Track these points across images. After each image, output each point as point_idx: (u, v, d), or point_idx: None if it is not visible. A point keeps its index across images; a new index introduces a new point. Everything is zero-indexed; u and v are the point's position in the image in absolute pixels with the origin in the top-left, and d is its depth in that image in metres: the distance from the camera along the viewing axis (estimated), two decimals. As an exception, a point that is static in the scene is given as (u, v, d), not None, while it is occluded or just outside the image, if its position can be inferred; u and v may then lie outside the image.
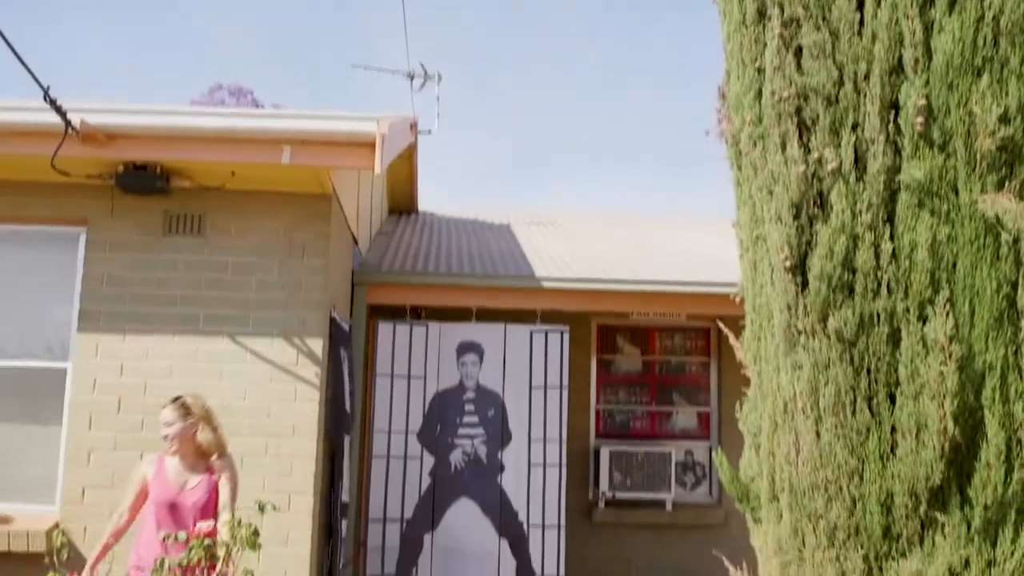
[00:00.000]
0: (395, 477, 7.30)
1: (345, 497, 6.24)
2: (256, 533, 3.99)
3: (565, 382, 7.46)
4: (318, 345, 5.68)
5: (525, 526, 7.25)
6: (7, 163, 5.53)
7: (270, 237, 5.75)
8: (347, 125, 5.20)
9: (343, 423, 6.22)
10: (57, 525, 5.41)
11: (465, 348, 7.47)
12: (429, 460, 7.29)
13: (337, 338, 6.17)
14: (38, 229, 5.87)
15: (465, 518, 7.25)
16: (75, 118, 5.01)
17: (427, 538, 7.22)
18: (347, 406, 6.36)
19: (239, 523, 3.93)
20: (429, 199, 15.43)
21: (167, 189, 5.61)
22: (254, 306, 5.68)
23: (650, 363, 9.67)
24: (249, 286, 5.70)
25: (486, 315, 7.63)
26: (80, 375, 5.59)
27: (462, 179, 35.36)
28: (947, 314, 4.11)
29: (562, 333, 7.54)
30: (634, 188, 34.60)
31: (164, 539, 3.95)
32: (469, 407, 7.36)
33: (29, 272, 5.86)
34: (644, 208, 32.77)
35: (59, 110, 4.86)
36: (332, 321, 6.01)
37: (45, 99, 4.70)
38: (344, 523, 6.20)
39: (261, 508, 4.19)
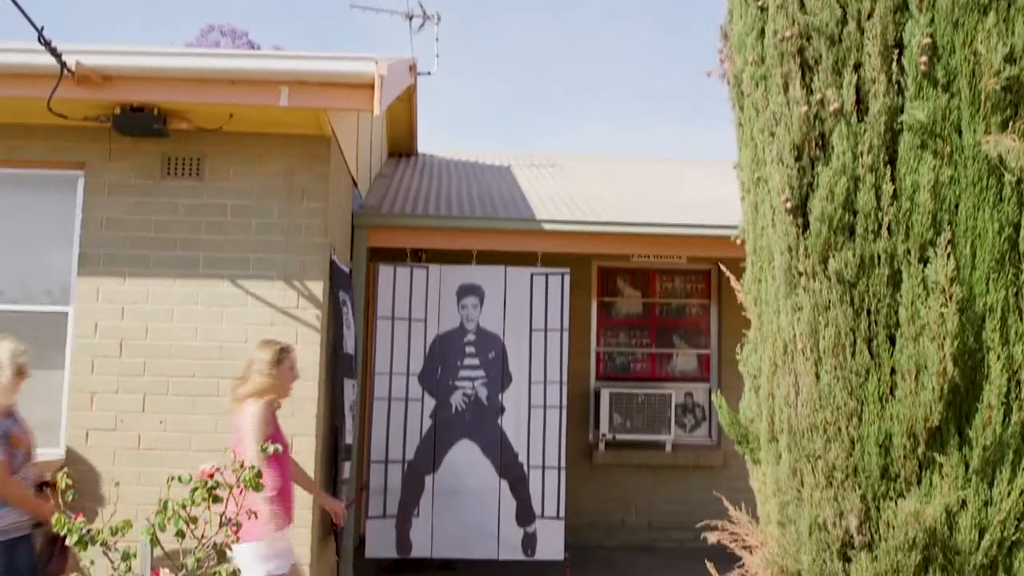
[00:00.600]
0: (396, 419, 7.35)
1: (348, 439, 6.28)
2: (259, 475, 4.02)
3: (566, 324, 7.47)
4: (318, 288, 5.68)
5: (525, 467, 7.31)
6: (3, 106, 5.48)
7: (269, 180, 5.72)
8: (346, 65, 5.14)
9: (344, 366, 6.25)
10: (63, 468, 5.45)
11: (465, 291, 7.47)
12: (430, 402, 7.33)
13: (337, 281, 6.17)
14: (36, 173, 5.84)
15: (466, 459, 7.31)
16: (70, 59, 4.96)
17: (428, 479, 7.29)
18: (350, 349, 6.38)
19: (241, 465, 3.97)
20: (428, 142, 15.36)
21: (165, 131, 5.57)
22: (254, 249, 5.67)
23: (650, 305, 9.69)
24: (249, 229, 5.68)
25: (487, 257, 7.62)
26: (81, 319, 5.60)
27: (461, 122, 35.13)
28: (948, 256, 4.10)
29: (563, 275, 7.53)
30: (637, 130, 34.39)
31: (169, 479, 3.98)
32: (470, 349, 7.38)
33: (28, 216, 5.84)
34: (649, 150, 32.62)
35: (54, 51, 4.81)
36: (332, 264, 6.01)
37: (40, 40, 4.64)
38: (347, 465, 6.25)
39: (263, 449, 4.23)
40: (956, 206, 4.21)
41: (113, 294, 5.62)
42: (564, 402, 7.42)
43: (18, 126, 5.69)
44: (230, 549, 3.93)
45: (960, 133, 4.23)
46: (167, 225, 5.68)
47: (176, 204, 5.70)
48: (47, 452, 5.62)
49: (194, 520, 3.83)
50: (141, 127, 5.52)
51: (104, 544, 3.73)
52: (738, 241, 5.32)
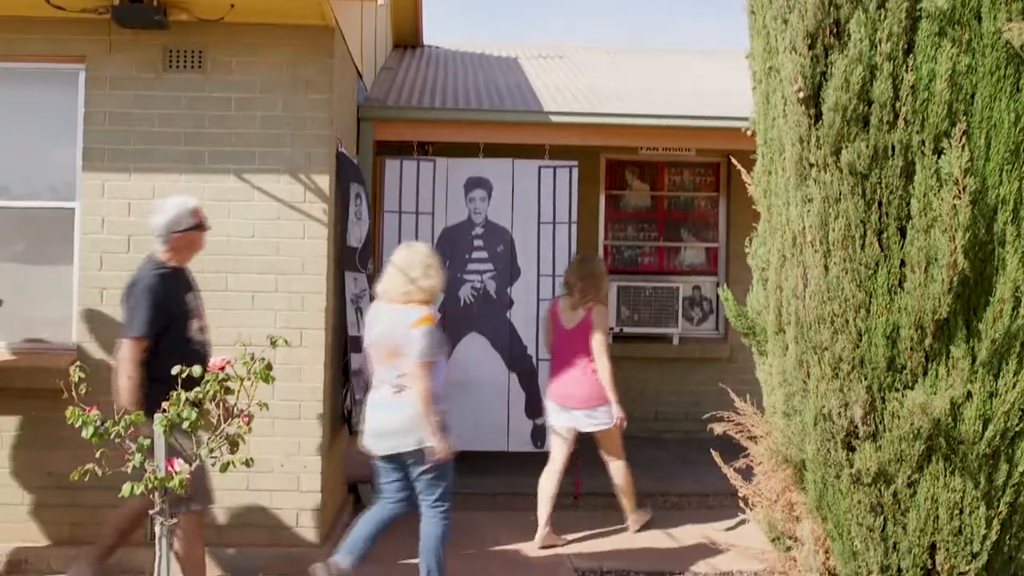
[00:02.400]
0: (405, 313, 7.37)
1: (353, 331, 6.31)
2: (269, 367, 4.06)
3: (574, 218, 7.44)
4: (325, 181, 5.64)
5: (534, 360, 7.37)
6: (-1, -4, 5.38)
7: (273, 72, 5.64)
8: (348, -47, 5.01)
9: (347, 259, 6.23)
10: (75, 361, 5.51)
11: (473, 184, 7.42)
12: (438, 295, 7.34)
13: (348, 173, 6.13)
14: (36, 67, 5.75)
15: (475, 353, 7.36)
16: (66, -52, 4.83)
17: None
18: (353, 242, 6.36)
19: (252, 357, 3.99)
20: (432, 34, 15.06)
21: (165, 23, 5.46)
22: (259, 143, 5.62)
23: (659, 199, 9.64)
24: (253, 122, 5.62)
25: (494, 151, 7.55)
26: (88, 215, 5.59)
27: (465, 14, 34.45)
28: (963, 147, 4.05)
29: (571, 168, 7.47)
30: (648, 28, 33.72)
31: (177, 375, 4.02)
32: (478, 243, 7.37)
33: (30, 112, 5.78)
34: (657, 41, 32.03)
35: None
36: (341, 156, 5.97)
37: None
38: (355, 357, 6.30)
39: (273, 343, 4.25)
40: (972, 96, 4.13)
41: (119, 189, 5.60)
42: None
43: (16, 19, 5.58)
44: (242, 440, 3.98)
45: (980, 20, 4.13)
46: (170, 119, 5.62)
47: (179, 98, 5.63)
48: (59, 347, 5.68)
49: (207, 412, 3.88)
50: (141, 18, 5.41)
51: (119, 436, 3.79)
52: (748, 132, 5.26)
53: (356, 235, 6.39)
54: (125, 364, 4.63)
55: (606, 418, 6.18)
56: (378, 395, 4.94)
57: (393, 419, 4.82)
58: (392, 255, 5.11)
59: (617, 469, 6.40)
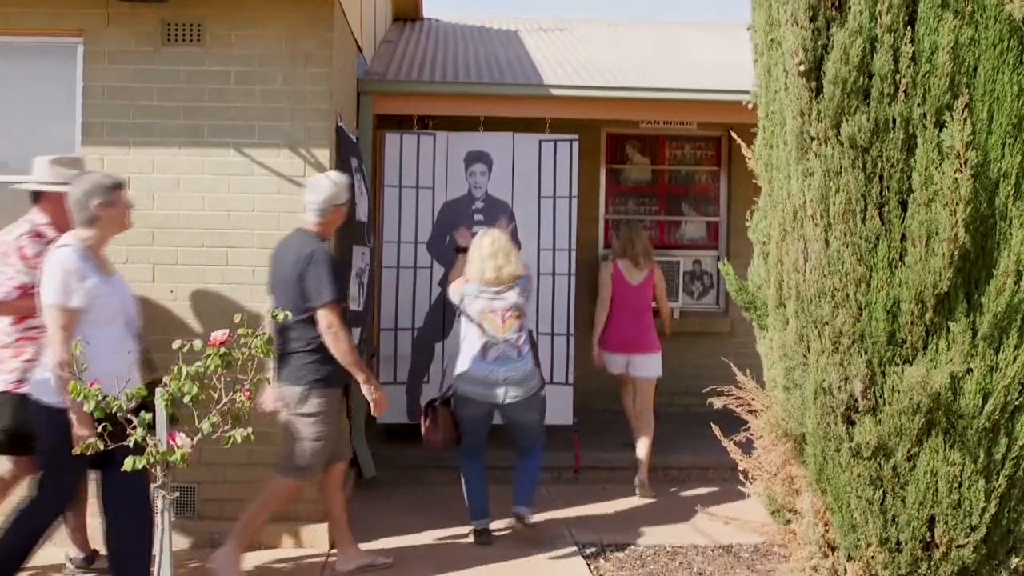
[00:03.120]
0: (405, 287, 7.39)
1: (355, 306, 6.32)
2: (270, 341, 4.06)
3: (574, 192, 7.43)
4: (325, 155, 5.63)
5: (535, 334, 7.38)
6: (-4, -31, 5.35)
7: (272, 45, 5.61)
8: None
9: (356, 233, 6.23)
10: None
11: (473, 158, 7.40)
12: (439, 270, 7.36)
13: (348, 148, 6.12)
14: (34, 40, 5.73)
15: (475, 326, 7.36)
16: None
17: (438, 346, 7.37)
18: (362, 216, 6.36)
19: (252, 332, 4.00)
20: (432, 6, 14.99)
21: (163, -5, 5.44)
22: (259, 116, 5.60)
23: (659, 173, 9.62)
24: (252, 96, 5.60)
25: (494, 124, 7.52)
26: (87, 188, 5.57)
27: (468, -16, 34.20)
28: (965, 120, 4.03)
29: (571, 142, 7.45)
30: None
31: (180, 347, 4.03)
32: (478, 217, 7.36)
33: (28, 86, 5.76)
34: (659, 14, 31.88)
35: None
36: (340, 131, 5.95)
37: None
38: (356, 331, 6.31)
39: (274, 316, 4.26)
40: (975, 69, 4.11)
41: (118, 164, 5.58)
42: (573, 269, 7.44)
43: (13, -8, 5.56)
44: (244, 414, 4.00)
45: (982, -9, 4.10)
46: (169, 93, 5.60)
47: (178, 72, 5.61)
48: (60, 321, 5.67)
49: (208, 386, 3.89)
50: (139, -9, 5.39)
51: (121, 410, 3.80)
52: (750, 106, 5.23)
53: (362, 209, 6.38)
54: (337, 329, 4.89)
55: (658, 366, 7.19)
56: (496, 352, 5.77)
57: (520, 370, 5.75)
58: (478, 242, 5.92)
59: (648, 423, 6.98)
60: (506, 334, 5.80)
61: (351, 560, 5.28)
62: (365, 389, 5.04)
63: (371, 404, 5.09)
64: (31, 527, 4.42)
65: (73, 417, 4.17)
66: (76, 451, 3.87)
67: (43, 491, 4.44)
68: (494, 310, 5.80)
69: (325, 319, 4.86)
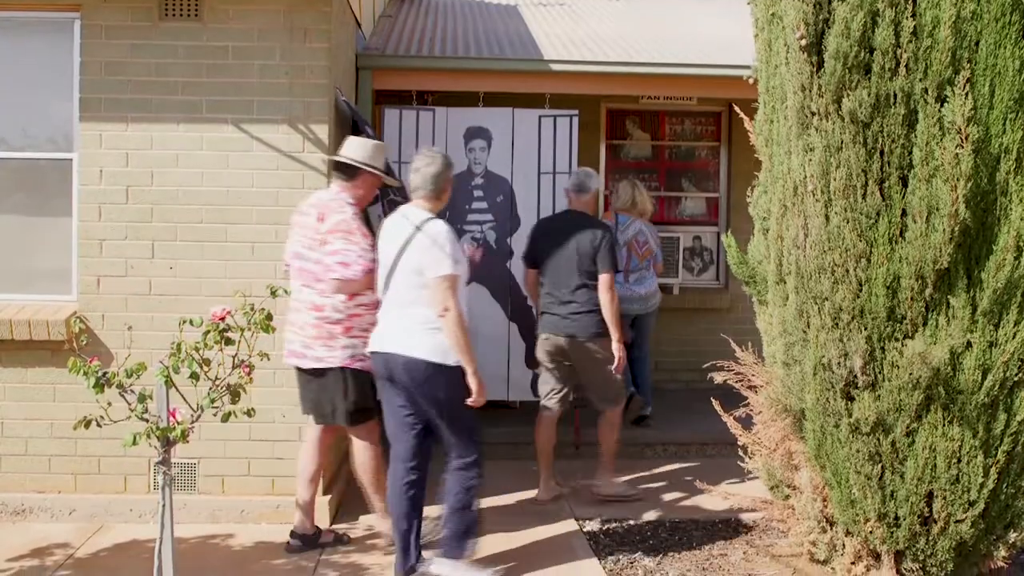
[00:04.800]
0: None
1: None
2: (269, 317, 4.07)
3: (574, 167, 7.40)
4: (323, 131, 5.61)
5: (534, 311, 7.36)
6: (-8, -57, 5.31)
7: (270, 20, 5.58)
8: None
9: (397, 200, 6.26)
10: (75, 313, 5.52)
11: (473, 133, 7.37)
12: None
13: (358, 118, 6.12)
14: (31, 16, 5.69)
15: (475, 304, 7.32)
16: None
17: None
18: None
19: (252, 308, 4.00)
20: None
21: (160, -30, 5.41)
22: (257, 92, 5.57)
23: (659, 148, 9.59)
24: (251, 71, 5.57)
25: (494, 100, 7.49)
26: (86, 165, 5.56)
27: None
28: (966, 95, 4.01)
29: (571, 118, 7.42)
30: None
31: (181, 323, 4.03)
32: (478, 193, 7.34)
33: (26, 61, 5.73)
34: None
35: None
36: (346, 104, 5.93)
37: None
38: None
39: (273, 293, 4.26)
40: (977, 43, 4.09)
41: (116, 139, 5.56)
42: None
43: (9, -34, 5.52)
44: (244, 390, 4.00)
45: (985, -36, 4.07)
46: (167, 68, 5.57)
47: (176, 47, 5.57)
48: (59, 299, 5.68)
49: (207, 362, 3.90)
50: (136, -35, 5.35)
51: (120, 386, 3.81)
52: (750, 80, 5.21)
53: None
54: (614, 293, 5.92)
55: None
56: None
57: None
58: None
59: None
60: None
61: (611, 486, 6.19)
62: (615, 346, 5.92)
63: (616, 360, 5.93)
64: (474, 482, 4.72)
65: (470, 375, 4.54)
66: (74, 427, 3.89)
67: (469, 451, 4.71)
68: None
69: (609, 280, 5.89)
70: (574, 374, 6.10)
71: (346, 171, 5.06)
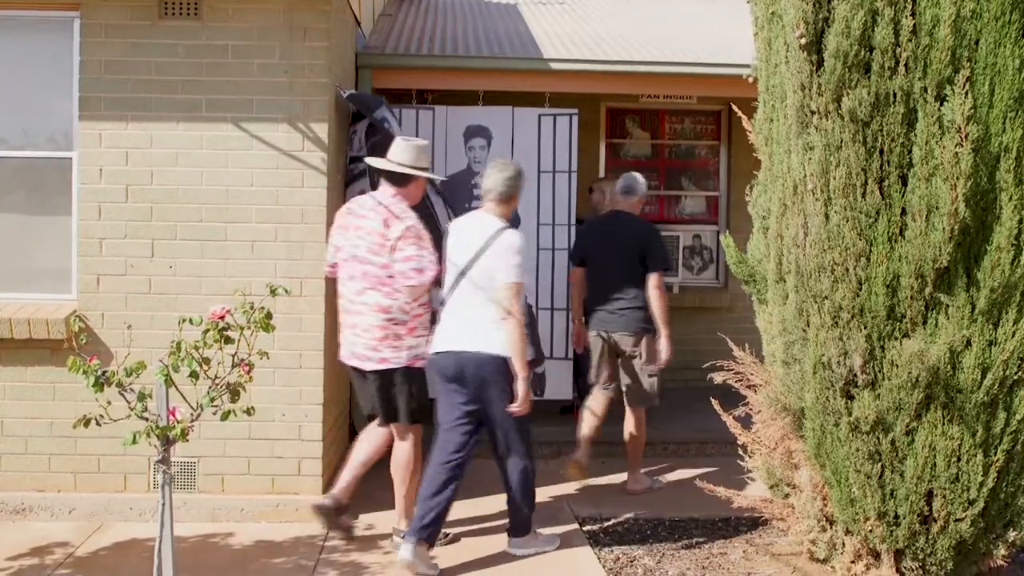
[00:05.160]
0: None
1: None
2: (269, 316, 4.07)
3: (574, 166, 7.40)
4: (323, 130, 5.61)
5: (534, 309, 7.37)
6: (-8, -58, 5.31)
7: (270, 19, 5.57)
8: None
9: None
10: (75, 312, 5.52)
11: (473, 132, 7.37)
12: (438, 245, 7.33)
13: (349, 118, 6.14)
14: (30, 14, 5.69)
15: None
16: None
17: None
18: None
19: (252, 307, 4.00)
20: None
21: (160, -32, 5.41)
22: (257, 91, 5.57)
23: (659, 147, 9.59)
24: (251, 70, 5.57)
25: (494, 99, 7.49)
26: (86, 164, 5.56)
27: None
28: (966, 93, 4.01)
29: (571, 116, 7.42)
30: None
31: (180, 321, 4.04)
32: (477, 191, 7.32)
33: (25, 60, 5.73)
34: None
35: None
36: (350, 96, 5.94)
37: None
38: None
39: (273, 291, 4.26)
40: (976, 42, 4.09)
41: (116, 138, 5.56)
42: (572, 244, 7.42)
43: (8, -35, 5.52)
44: (243, 389, 4.00)
45: (985, -37, 4.07)
46: (167, 67, 5.57)
47: (175, 46, 5.58)
48: (59, 298, 5.68)
49: (207, 361, 3.90)
50: (135, -36, 5.35)
51: (120, 385, 3.81)
52: (750, 79, 5.21)
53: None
54: (663, 291, 6.18)
55: None
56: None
57: None
58: None
59: None
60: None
61: (639, 482, 6.37)
62: (663, 343, 6.19)
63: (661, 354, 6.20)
64: (529, 466, 5.12)
65: (520, 380, 4.86)
66: (74, 426, 3.89)
67: (521, 440, 5.05)
68: None
69: (658, 280, 6.14)
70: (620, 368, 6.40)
71: (399, 176, 5.14)
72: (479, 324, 4.90)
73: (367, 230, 5.02)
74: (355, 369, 5.14)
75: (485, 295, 4.91)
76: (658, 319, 6.16)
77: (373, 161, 5.28)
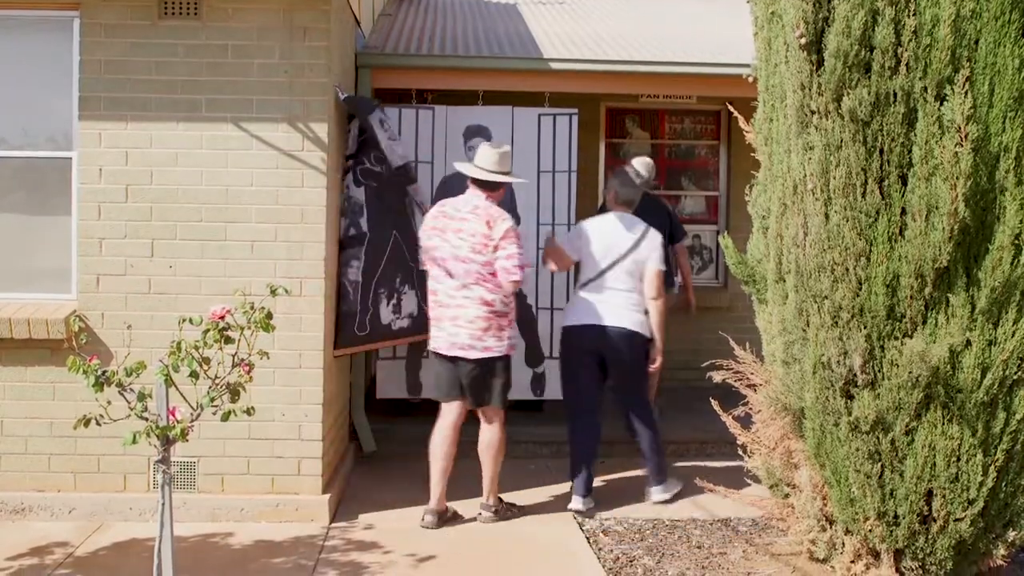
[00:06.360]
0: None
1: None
2: (269, 316, 4.07)
3: (574, 166, 7.40)
4: (323, 130, 5.61)
5: (534, 309, 7.38)
6: (-9, -58, 5.31)
7: (270, 18, 5.57)
8: None
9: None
10: (74, 312, 5.52)
11: (472, 132, 7.36)
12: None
13: (348, 118, 6.16)
14: (30, 14, 5.69)
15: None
16: None
17: (438, 320, 7.34)
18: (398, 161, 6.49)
19: (252, 307, 4.00)
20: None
21: (159, -32, 5.41)
22: (257, 91, 5.57)
23: (659, 147, 9.59)
24: (250, 70, 5.57)
25: (493, 98, 7.48)
26: (85, 164, 5.56)
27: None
28: (966, 93, 4.01)
29: (571, 116, 7.41)
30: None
31: (180, 321, 4.04)
32: (477, 192, 7.33)
33: (25, 60, 5.73)
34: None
35: None
36: (347, 99, 5.95)
37: None
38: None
39: (273, 291, 4.26)
40: (976, 42, 4.09)
41: (116, 138, 5.56)
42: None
43: (7, -36, 5.52)
44: (243, 389, 4.00)
45: (985, -37, 4.07)
46: (167, 67, 5.56)
47: (175, 46, 5.57)
48: (59, 298, 5.68)
49: (207, 361, 3.90)
50: (135, -36, 5.35)
51: (120, 385, 3.81)
52: (750, 79, 5.21)
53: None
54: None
55: None
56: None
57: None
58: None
59: None
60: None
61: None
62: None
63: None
64: (654, 420, 6.14)
65: (660, 348, 6.03)
66: (74, 426, 3.89)
67: (645, 399, 6.12)
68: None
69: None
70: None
71: (490, 182, 5.66)
72: (625, 305, 5.92)
73: (469, 231, 5.51)
74: (448, 358, 5.59)
75: (633, 282, 5.93)
76: (661, 321, 6.38)
77: (466, 168, 5.76)
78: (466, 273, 5.49)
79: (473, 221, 5.53)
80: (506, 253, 5.45)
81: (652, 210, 6.83)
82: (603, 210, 7.17)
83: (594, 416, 6.02)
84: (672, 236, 7.06)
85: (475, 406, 5.67)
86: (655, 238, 5.99)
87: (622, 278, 5.92)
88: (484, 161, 5.67)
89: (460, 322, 5.52)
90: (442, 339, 5.60)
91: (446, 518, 5.66)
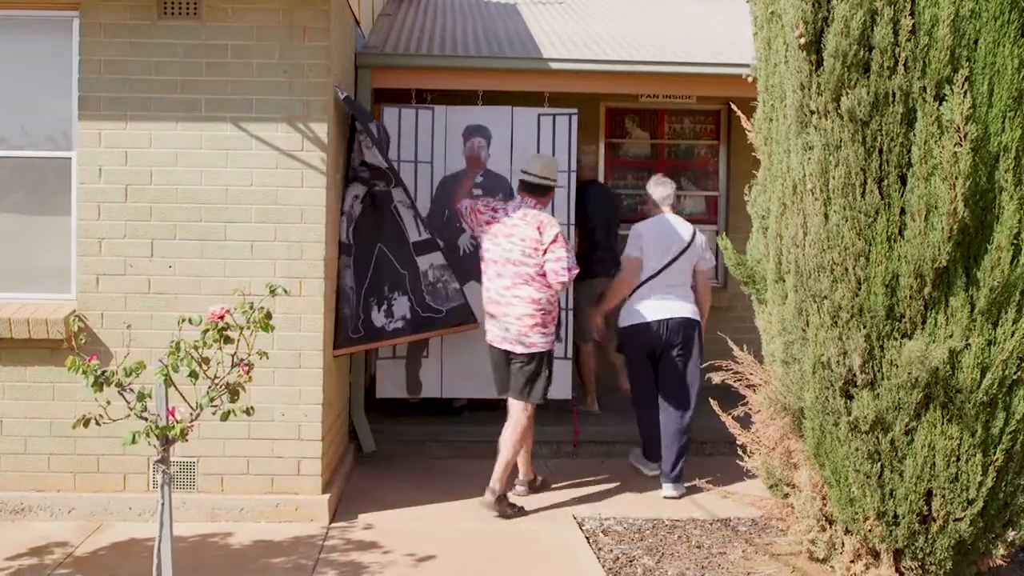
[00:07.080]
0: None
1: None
2: (269, 316, 4.07)
3: (573, 166, 7.39)
4: (323, 130, 5.61)
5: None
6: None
7: (269, 18, 5.57)
8: None
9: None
10: (74, 312, 5.52)
11: (472, 132, 7.36)
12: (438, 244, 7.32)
13: (349, 117, 6.14)
14: (29, 14, 5.69)
15: (474, 302, 7.34)
16: None
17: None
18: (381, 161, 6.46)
19: (251, 307, 4.00)
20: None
21: (159, -32, 5.40)
22: (256, 90, 5.57)
23: (659, 147, 9.59)
24: (250, 70, 5.57)
25: (493, 98, 7.48)
26: (85, 164, 5.56)
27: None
28: (965, 93, 4.01)
29: (570, 116, 7.41)
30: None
31: (180, 321, 4.04)
32: (477, 192, 7.33)
33: (24, 60, 5.73)
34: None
35: None
36: (346, 99, 5.96)
37: None
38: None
39: (272, 291, 4.26)
40: (975, 41, 4.09)
41: (115, 138, 5.56)
42: (572, 244, 7.42)
43: (7, -35, 5.52)
44: (243, 389, 4.00)
45: (984, -37, 4.07)
46: (166, 67, 5.57)
47: (175, 45, 5.57)
48: (58, 298, 5.68)
49: (206, 361, 3.90)
50: (135, -36, 5.35)
51: (119, 385, 3.81)
52: (750, 79, 5.21)
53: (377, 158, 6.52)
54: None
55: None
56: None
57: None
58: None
59: None
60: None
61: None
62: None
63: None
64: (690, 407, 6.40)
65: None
66: (73, 426, 3.89)
67: (692, 395, 6.36)
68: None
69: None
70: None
71: (540, 188, 6.04)
72: (686, 298, 6.46)
73: (520, 236, 5.89)
74: (501, 350, 5.97)
75: (688, 277, 6.50)
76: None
77: (524, 176, 6.09)
78: (516, 274, 5.87)
79: (524, 227, 5.90)
80: (555, 256, 5.82)
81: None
82: (582, 187, 7.61)
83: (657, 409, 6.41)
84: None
85: (515, 397, 5.93)
86: (700, 241, 6.57)
87: (681, 274, 6.48)
88: (534, 167, 6.06)
89: (510, 319, 5.90)
90: (495, 333, 6.02)
91: (535, 486, 6.24)
